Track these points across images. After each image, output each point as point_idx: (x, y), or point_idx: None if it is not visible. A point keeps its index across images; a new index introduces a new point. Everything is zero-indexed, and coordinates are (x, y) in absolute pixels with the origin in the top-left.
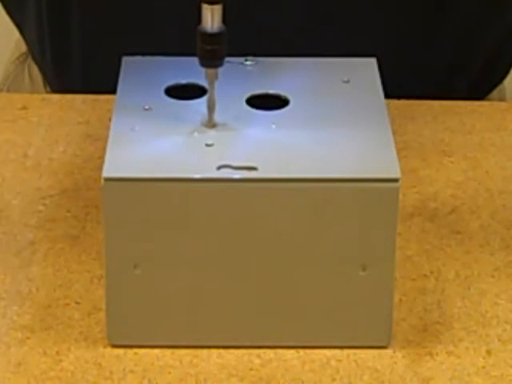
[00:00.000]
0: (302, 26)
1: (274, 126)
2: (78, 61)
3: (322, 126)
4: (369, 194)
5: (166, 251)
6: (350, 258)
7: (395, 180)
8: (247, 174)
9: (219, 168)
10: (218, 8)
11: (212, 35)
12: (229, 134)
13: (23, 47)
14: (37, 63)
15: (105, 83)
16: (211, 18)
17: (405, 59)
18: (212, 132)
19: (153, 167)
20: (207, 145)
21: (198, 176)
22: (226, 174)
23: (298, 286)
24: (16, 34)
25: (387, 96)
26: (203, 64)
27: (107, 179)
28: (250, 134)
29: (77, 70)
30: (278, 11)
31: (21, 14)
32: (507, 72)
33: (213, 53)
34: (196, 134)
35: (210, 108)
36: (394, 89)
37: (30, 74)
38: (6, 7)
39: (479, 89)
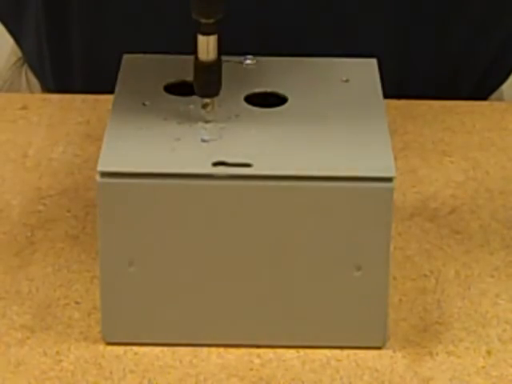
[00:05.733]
0: (302, 26)
1: (270, 124)
2: (77, 62)
3: (319, 125)
4: (363, 193)
5: (161, 248)
6: (344, 258)
7: (390, 179)
8: (242, 171)
9: (214, 164)
10: (213, 38)
11: (208, 65)
12: (225, 131)
13: (20, 52)
14: (33, 70)
15: (104, 84)
16: (207, 49)
17: (405, 59)
18: (208, 128)
19: (148, 162)
20: (203, 140)
21: (193, 172)
22: (221, 170)
23: (292, 285)
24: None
25: (387, 96)
26: (199, 94)
27: (103, 173)
28: (246, 130)
29: (76, 72)
30: (278, 11)
31: (18, 15)
32: (508, 75)
33: (208, 83)
34: (192, 129)
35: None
36: (394, 89)
37: (27, 79)
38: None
39: (480, 92)
